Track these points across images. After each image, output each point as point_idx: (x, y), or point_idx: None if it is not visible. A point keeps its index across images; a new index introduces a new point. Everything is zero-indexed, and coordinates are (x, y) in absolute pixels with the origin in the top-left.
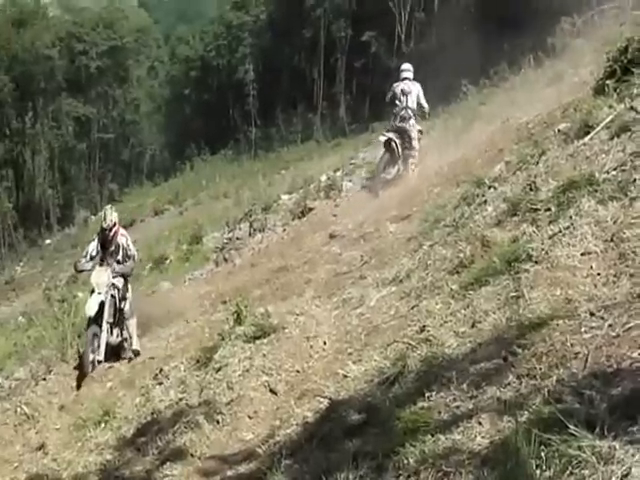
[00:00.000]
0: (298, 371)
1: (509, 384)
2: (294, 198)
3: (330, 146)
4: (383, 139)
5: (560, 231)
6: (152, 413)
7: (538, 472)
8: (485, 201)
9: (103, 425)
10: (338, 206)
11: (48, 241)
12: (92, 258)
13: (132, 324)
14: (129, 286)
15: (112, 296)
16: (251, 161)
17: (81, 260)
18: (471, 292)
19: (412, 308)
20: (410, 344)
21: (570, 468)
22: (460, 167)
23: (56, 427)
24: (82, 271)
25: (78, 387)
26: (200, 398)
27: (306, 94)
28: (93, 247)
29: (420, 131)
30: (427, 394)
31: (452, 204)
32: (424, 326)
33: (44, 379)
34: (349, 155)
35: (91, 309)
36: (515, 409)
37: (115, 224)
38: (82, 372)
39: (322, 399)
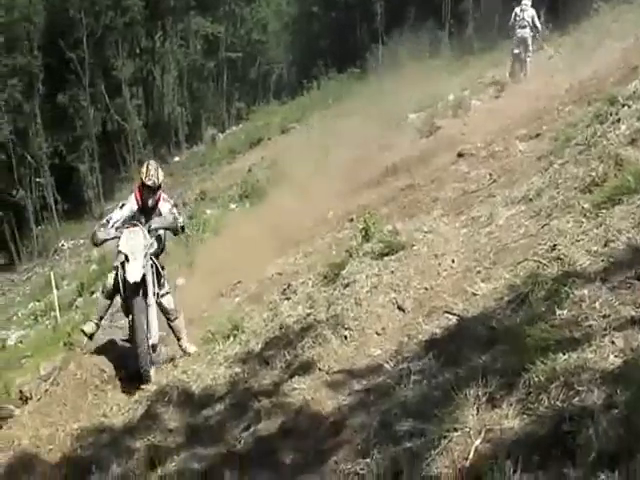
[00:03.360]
0: (426, 288)
1: None
2: (422, 116)
3: (458, 65)
4: (516, 52)
5: None
6: (280, 327)
7: None
8: (619, 119)
9: (231, 339)
10: (466, 125)
11: (177, 158)
12: (116, 229)
13: (179, 322)
14: (165, 276)
15: (153, 262)
16: (378, 79)
17: (99, 228)
18: (604, 211)
19: (542, 227)
20: (541, 262)
21: None
22: (592, 85)
23: None
24: (104, 242)
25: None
26: (328, 313)
27: (434, 12)
28: (121, 215)
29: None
30: (558, 312)
31: (584, 122)
32: (555, 245)
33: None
34: (477, 74)
35: (134, 274)
36: None
37: (161, 185)
38: (137, 371)
39: (451, 316)
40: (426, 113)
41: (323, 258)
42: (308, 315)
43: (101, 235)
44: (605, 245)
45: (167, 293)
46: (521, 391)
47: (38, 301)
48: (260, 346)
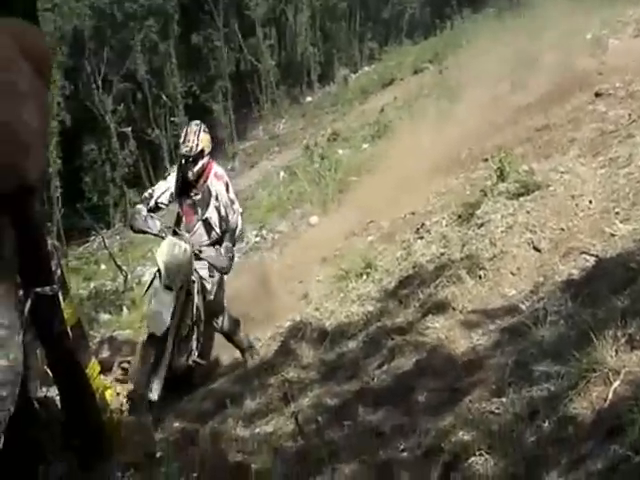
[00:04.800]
0: (562, 229)
1: None
2: (558, 55)
3: (597, 3)
4: None
5: None
6: (413, 267)
7: None
8: None
9: (364, 277)
10: (604, 64)
11: (309, 98)
12: (157, 208)
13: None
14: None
15: (189, 293)
16: (514, 19)
17: (141, 211)
18: None
19: None
20: None
21: None
22: None
23: (318, 278)
24: (143, 232)
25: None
26: (462, 253)
27: None
28: (164, 189)
29: None
30: None
31: None
32: None
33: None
34: (616, 13)
35: (158, 324)
36: None
37: (203, 152)
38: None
39: (588, 257)
40: (562, 52)
41: (457, 198)
42: (442, 254)
43: (140, 224)
44: None
45: (223, 310)
46: None
47: None
48: (393, 285)
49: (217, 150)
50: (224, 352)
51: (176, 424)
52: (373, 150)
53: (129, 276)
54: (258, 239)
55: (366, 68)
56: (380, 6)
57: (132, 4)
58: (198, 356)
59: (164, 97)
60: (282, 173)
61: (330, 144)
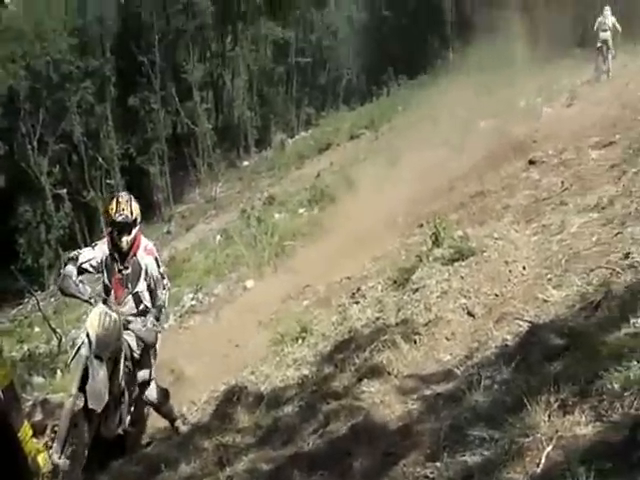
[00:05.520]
0: (497, 295)
1: None
2: (493, 123)
3: (531, 72)
4: (598, 45)
5: None
6: (349, 331)
7: None
8: None
9: (300, 341)
10: (538, 132)
11: (246, 162)
12: (79, 273)
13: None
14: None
15: (116, 362)
16: (450, 85)
17: (72, 275)
18: None
19: (616, 235)
20: (614, 270)
21: None
22: None
23: (254, 342)
24: (73, 296)
25: None
26: (397, 318)
27: (506, 20)
28: (90, 257)
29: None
30: (632, 320)
31: None
32: (628, 253)
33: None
34: (550, 81)
35: (98, 400)
36: None
37: (136, 220)
38: None
39: (522, 322)
40: (497, 120)
41: (392, 263)
42: (377, 319)
43: (72, 289)
44: None
45: (151, 380)
46: (594, 398)
47: None
48: (329, 349)
49: (154, 213)
50: (159, 418)
51: None
52: (309, 215)
53: (63, 339)
54: (194, 302)
55: (303, 133)
56: (317, 72)
57: (68, 66)
58: (130, 423)
59: (100, 159)
60: (218, 236)
61: (267, 208)
